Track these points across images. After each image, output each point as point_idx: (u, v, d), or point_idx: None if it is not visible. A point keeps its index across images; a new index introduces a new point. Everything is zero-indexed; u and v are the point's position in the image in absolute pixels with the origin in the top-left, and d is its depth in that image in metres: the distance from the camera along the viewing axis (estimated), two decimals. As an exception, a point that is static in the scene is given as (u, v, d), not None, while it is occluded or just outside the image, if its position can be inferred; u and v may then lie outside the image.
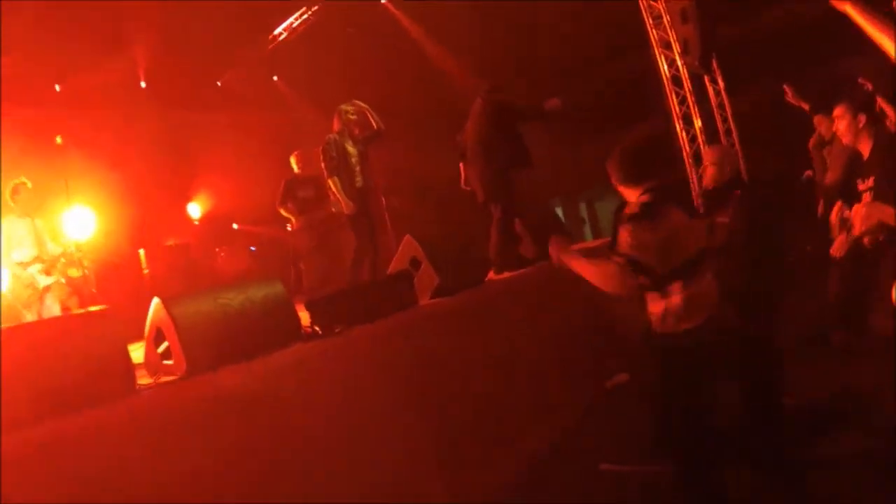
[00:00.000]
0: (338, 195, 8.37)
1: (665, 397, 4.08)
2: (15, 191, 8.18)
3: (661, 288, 4.03)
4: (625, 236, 3.94)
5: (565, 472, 5.79)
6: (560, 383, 7.31)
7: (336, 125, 8.62)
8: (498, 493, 5.49)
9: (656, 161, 4.42)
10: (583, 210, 20.80)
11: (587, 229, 20.53)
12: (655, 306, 4.11)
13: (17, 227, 8.11)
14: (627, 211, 4.04)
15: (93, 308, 4.70)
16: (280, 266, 10.81)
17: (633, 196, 4.19)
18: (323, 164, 8.49)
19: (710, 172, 5.92)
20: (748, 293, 5.07)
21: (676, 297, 3.99)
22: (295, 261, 10.60)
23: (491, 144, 8.18)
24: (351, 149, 8.57)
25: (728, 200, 5.61)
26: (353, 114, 8.55)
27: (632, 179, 4.20)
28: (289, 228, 10.26)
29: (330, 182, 8.46)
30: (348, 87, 11.63)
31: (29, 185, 8.24)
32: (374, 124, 8.56)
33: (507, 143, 8.15)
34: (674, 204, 4.03)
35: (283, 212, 10.13)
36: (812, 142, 8.87)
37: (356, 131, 8.63)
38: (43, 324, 5.87)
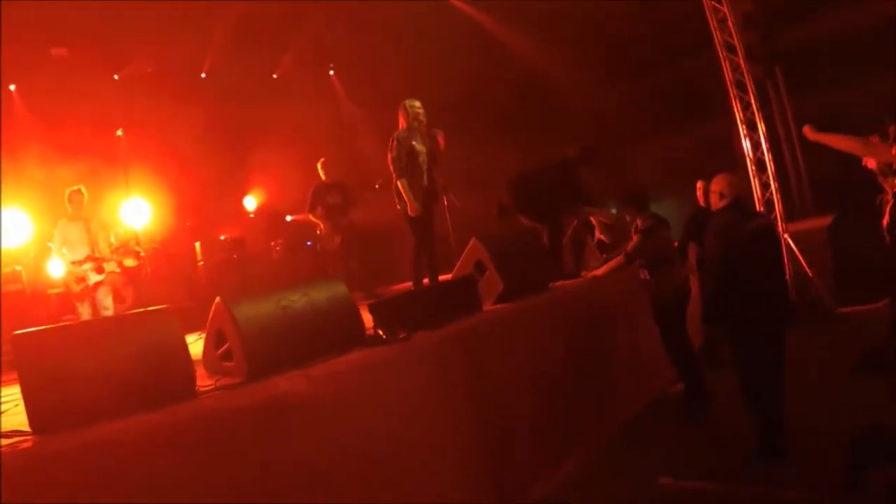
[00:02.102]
0: (405, 196, 8.03)
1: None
2: (70, 197, 8.79)
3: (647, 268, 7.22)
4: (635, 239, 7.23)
5: (617, 481, 5.69)
6: (616, 391, 7.26)
7: (402, 122, 8.23)
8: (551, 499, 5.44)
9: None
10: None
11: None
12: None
13: (71, 229, 8.77)
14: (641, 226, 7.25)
15: (152, 308, 4.58)
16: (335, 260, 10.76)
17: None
18: (390, 164, 8.14)
19: (712, 198, 6.09)
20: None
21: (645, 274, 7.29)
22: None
23: (551, 192, 8.60)
24: (419, 147, 8.18)
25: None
26: (419, 108, 8.24)
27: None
28: (318, 233, 10.28)
29: (398, 183, 8.10)
30: (404, 83, 11.50)
31: (84, 191, 8.86)
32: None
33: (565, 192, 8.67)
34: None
35: (312, 217, 10.23)
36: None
37: (423, 127, 8.28)
38: (102, 322, 5.81)
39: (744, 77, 11.23)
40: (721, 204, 5.94)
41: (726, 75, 11.35)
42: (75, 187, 8.89)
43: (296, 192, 14.60)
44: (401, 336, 4.93)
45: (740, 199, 6.03)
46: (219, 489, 3.59)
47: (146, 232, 10.20)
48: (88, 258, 8.69)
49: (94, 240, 8.81)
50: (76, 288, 8.62)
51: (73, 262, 8.63)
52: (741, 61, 11.17)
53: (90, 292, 8.65)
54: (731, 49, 11.22)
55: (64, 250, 8.68)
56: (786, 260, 10.50)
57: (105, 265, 8.78)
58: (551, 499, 5.49)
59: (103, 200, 9.33)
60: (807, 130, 7.18)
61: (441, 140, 8.37)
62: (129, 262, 9.26)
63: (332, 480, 4.05)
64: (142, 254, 9.14)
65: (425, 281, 8.12)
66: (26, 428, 3.70)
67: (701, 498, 5.26)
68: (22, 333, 3.82)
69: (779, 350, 5.65)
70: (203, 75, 14.41)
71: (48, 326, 4.24)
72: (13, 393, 5.38)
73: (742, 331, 5.69)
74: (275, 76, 15.52)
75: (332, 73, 16.53)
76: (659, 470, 5.65)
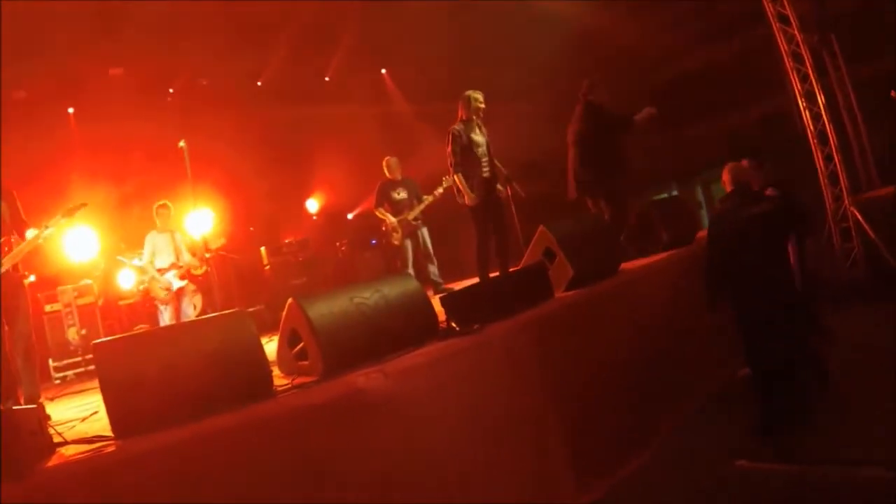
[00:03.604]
0: (462, 189, 8.16)
1: None
2: (158, 210, 9.41)
3: None
4: None
5: (693, 465, 5.53)
6: (691, 373, 7.09)
7: (462, 113, 8.32)
8: (629, 486, 5.30)
9: None
10: (699, 193, 20.06)
11: (703, 213, 19.78)
12: None
13: (159, 240, 9.40)
14: None
15: (226, 311, 4.61)
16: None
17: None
18: (449, 157, 8.25)
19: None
20: None
21: None
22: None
23: (587, 145, 8.33)
24: (478, 138, 8.26)
25: None
26: (482, 101, 8.30)
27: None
28: (384, 229, 10.34)
29: (454, 177, 8.23)
30: (458, 76, 11.46)
31: (170, 205, 9.46)
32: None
33: (604, 146, 8.29)
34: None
35: (378, 214, 10.36)
36: None
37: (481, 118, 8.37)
38: (178, 327, 5.87)
39: (799, 48, 10.95)
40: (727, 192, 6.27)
41: (781, 47, 11.07)
42: (162, 202, 9.43)
43: (355, 190, 14.80)
44: (475, 327, 4.87)
45: (744, 187, 6.21)
46: (299, 486, 3.60)
47: (212, 240, 10.36)
48: (173, 266, 9.27)
49: (179, 250, 9.40)
50: (162, 294, 9.18)
51: (159, 270, 9.21)
52: (795, 32, 10.90)
53: (174, 298, 9.23)
54: (784, 20, 10.95)
55: (155, 260, 9.28)
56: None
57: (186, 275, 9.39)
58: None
59: (180, 221, 9.59)
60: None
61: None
62: (198, 271, 9.42)
63: (410, 474, 4.01)
64: (208, 257, 9.30)
65: (491, 273, 8.11)
66: (109, 433, 3.74)
67: (779, 480, 5.10)
68: (101, 342, 3.89)
69: (776, 335, 5.83)
70: (259, 83, 14.53)
71: (126, 334, 4.30)
72: (95, 400, 5.52)
73: (742, 313, 6.05)
74: (327, 79, 15.57)
75: (383, 71, 16.53)
76: (735, 453, 5.49)
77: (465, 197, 8.14)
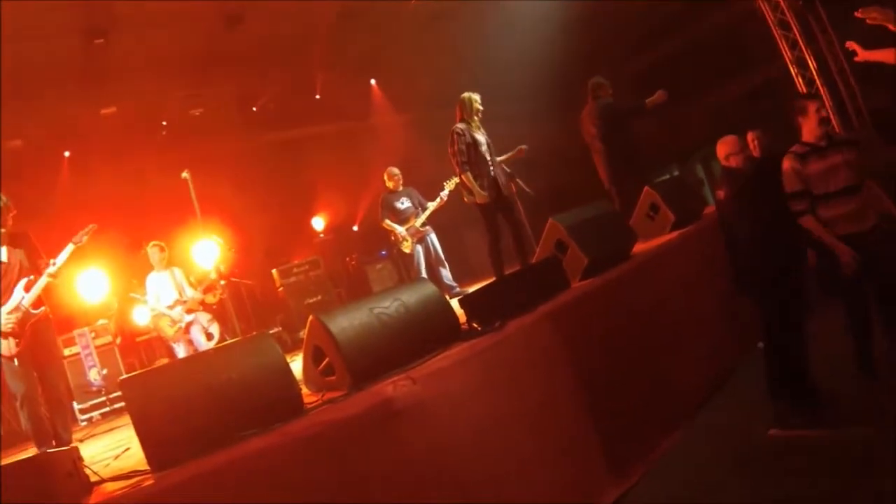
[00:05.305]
0: (471, 187, 8.18)
1: None
2: (151, 250, 9.47)
3: None
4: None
5: (727, 438, 5.54)
6: (713, 348, 7.04)
7: (460, 114, 8.37)
8: (663, 467, 5.29)
9: None
10: (700, 171, 20.03)
11: (706, 190, 19.76)
12: None
13: (159, 280, 9.42)
14: None
15: (249, 335, 4.63)
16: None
17: None
18: (452, 157, 8.28)
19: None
20: None
21: None
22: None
23: (608, 141, 8.85)
24: (480, 137, 8.31)
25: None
26: (479, 102, 8.35)
27: None
28: (392, 239, 10.36)
29: (462, 177, 8.25)
30: (449, 81, 11.45)
31: (163, 245, 9.54)
32: None
33: (621, 137, 8.84)
34: None
35: (385, 226, 10.39)
36: None
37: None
38: (202, 355, 5.89)
39: (785, 15, 10.98)
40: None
41: (768, 16, 11.11)
42: (154, 242, 9.47)
43: (359, 204, 14.84)
44: (496, 325, 4.88)
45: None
46: (339, 499, 3.60)
47: (222, 266, 10.41)
48: (177, 302, 9.25)
49: (181, 285, 9.38)
50: (170, 331, 9.18)
51: (166, 307, 9.21)
52: (780, 0, 10.94)
53: (184, 333, 9.22)
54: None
55: (160, 300, 9.29)
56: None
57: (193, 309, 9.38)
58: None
59: (178, 243, 9.60)
60: (854, 48, 6.79)
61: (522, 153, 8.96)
62: (211, 299, 9.46)
63: (446, 475, 4.03)
64: (223, 284, 9.37)
65: (507, 269, 8.15)
66: (143, 467, 3.76)
67: (814, 445, 5.08)
68: (128, 377, 3.92)
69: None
70: (254, 109, 14.56)
71: (152, 367, 4.32)
72: (124, 437, 5.55)
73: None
74: (318, 97, 15.59)
75: (373, 82, 16.54)
76: (768, 422, 5.49)
77: (476, 195, 8.16)
